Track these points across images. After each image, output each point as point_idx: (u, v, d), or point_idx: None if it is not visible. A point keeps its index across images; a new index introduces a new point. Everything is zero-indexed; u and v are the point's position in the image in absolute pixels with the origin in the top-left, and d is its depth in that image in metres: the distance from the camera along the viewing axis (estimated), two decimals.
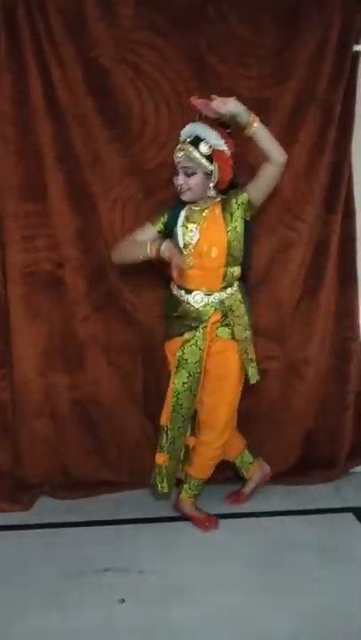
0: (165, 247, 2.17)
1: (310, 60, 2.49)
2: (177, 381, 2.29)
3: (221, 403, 2.36)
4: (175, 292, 2.29)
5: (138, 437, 2.72)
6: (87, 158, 2.46)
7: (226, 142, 2.16)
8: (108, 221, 2.53)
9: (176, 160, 2.17)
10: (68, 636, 1.87)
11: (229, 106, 2.05)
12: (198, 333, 2.24)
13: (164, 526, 2.47)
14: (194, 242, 2.19)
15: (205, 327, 2.24)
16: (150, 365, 2.66)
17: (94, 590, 2.08)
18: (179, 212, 2.25)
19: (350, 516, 2.52)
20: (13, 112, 2.40)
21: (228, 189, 2.24)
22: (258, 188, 2.20)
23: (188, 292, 2.25)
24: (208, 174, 2.15)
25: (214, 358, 2.30)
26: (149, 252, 2.18)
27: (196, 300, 2.24)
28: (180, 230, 2.22)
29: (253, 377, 2.37)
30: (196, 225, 2.21)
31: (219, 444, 2.40)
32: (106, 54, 2.41)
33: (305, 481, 2.76)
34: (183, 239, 2.21)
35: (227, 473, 2.68)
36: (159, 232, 2.28)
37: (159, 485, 2.42)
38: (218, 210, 2.22)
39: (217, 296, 2.24)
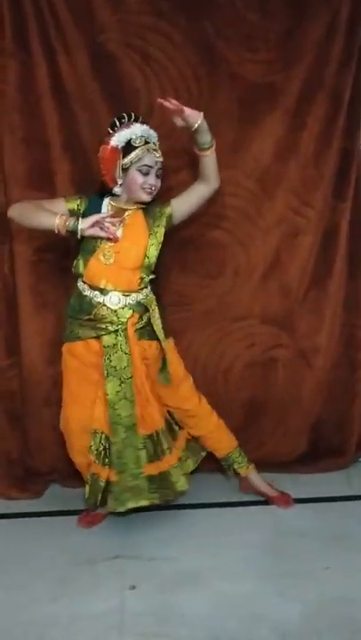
0: (85, 224, 2.03)
1: (319, 45, 2.46)
2: (110, 391, 2.16)
3: (189, 400, 2.38)
4: (87, 292, 2.16)
5: None
6: (94, 146, 2.43)
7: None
8: None
9: (150, 160, 2.13)
10: (78, 621, 1.88)
11: (200, 120, 2.04)
12: (120, 337, 2.15)
13: (174, 514, 2.46)
14: (117, 236, 2.13)
15: (125, 330, 2.15)
16: None
17: (105, 577, 2.08)
18: (99, 205, 2.19)
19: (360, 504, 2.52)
20: (19, 99, 2.39)
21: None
22: (187, 204, 2.21)
23: (104, 292, 2.14)
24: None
25: (153, 366, 2.25)
26: (57, 224, 2.04)
27: (113, 301, 2.14)
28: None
29: (168, 379, 2.27)
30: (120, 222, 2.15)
31: (214, 421, 2.43)
32: (112, 39, 2.39)
33: (315, 469, 2.75)
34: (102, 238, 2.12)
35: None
36: (69, 211, 2.16)
37: (112, 504, 2.24)
38: (140, 214, 2.20)
39: (134, 297, 2.17)
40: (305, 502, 2.52)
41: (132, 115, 2.15)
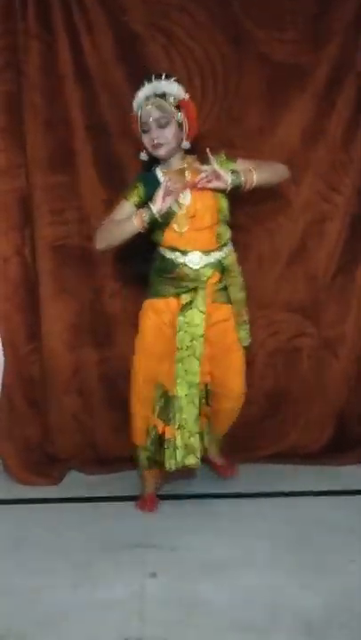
0: (157, 205, 2.03)
1: (349, 26, 2.41)
2: (179, 346, 2.16)
3: (232, 373, 2.31)
4: (168, 255, 2.17)
5: None
6: (116, 127, 2.41)
7: (185, 94, 2.10)
8: None
9: (145, 115, 2.06)
10: (99, 608, 1.86)
11: (227, 180, 2.03)
12: (197, 295, 2.15)
13: (197, 503, 2.44)
14: (187, 202, 2.11)
15: (204, 289, 2.16)
16: None
17: (125, 565, 2.06)
18: (154, 179, 2.14)
19: None
20: (42, 80, 2.36)
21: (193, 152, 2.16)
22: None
23: (184, 253, 2.14)
24: (180, 125, 2.09)
25: (216, 328, 2.23)
26: (137, 226, 2.06)
27: (194, 260, 2.14)
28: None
29: (245, 340, 2.30)
30: (186, 182, 2.12)
31: (237, 408, 2.38)
32: (137, 19, 2.36)
33: (338, 461, 2.69)
34: (176, 201, 2.10)
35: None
36: (136, 206, 2.13)
37: (167, 462, 2.22)
38: (198, 169, 2.10)
39: (214, 255, 2.16)
40: (329, 495, 2.47)
41: (148, 76, 2.10)
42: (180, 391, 2.19)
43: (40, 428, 2.66)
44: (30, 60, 2.34)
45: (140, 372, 2.28)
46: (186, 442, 2.20)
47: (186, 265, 2.15)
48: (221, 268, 2.18)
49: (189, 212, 2.11)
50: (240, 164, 2.12)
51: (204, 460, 2.43)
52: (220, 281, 2.19)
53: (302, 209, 2.55)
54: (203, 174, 2.04)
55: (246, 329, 2.30)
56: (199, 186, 2.05)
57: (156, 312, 2.23)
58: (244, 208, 2.51)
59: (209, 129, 2.41)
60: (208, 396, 2.37)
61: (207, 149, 2.06)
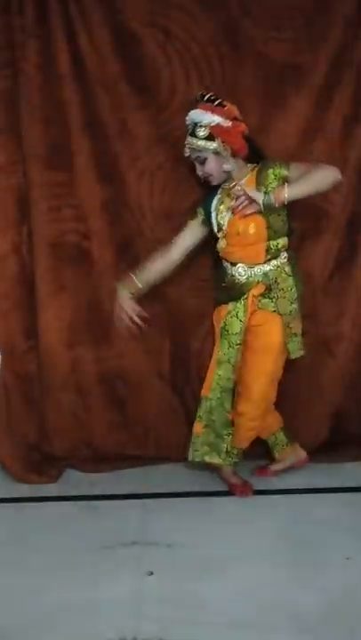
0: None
1: (347, 23, 2.40)
2: (219, 352, 2.30)
3: (258, 374, 2.33)
4: (223, 264, 2.30)
5: (164, 411, 2.69)
6: (114, 126, 2.42)
7: (220, 115, 2.12)
8: (136, 192, 2.48)
9: (187, 151, 2.19)
10: (96, 606, 1.86)
11: (259, 202, 2.10)
12: (239, 305, 2.25)
13: (192, 500, 2.45)
14: (225, 222, 2.21)
15: (246, 299, 2.25)
16: (177, 338, 2.62)
17: (123, 563, 2.07)
18: (213, 199, 2.26)
19: None
20: (40, 78, 2.36)
21: (256, 157, 2.21)
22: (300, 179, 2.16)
23: (233, 264, 2.26)
24: (217, 153, 2.15)
25: (254, 330, 2.30)
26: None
27: (240, 272, 2.25)
28: (213, 214, 2.24)
29: (295, 352, 2.36)
30: (225, 206, 2.21)
31: (254, 416, 2.37)
32: (135, 17, 2.35)
33: (335, 459, 2.70)
34: (216, 222, 2.23)
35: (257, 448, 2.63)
36: (202, 222, 2.28)
37: (191, 454, 2.38)
38: (251, 185, 2.18)
39: (260, 268, 2.24)
40: (326, 492, 2.48)
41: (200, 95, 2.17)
42: (213, 394, 2.32)
43: (37, 426, 2.67)
44: (28, 57, 2.34)
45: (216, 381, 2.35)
46: (212, 440, 2.34)
47: (233, 275, 2.26)
48: (268, 279, 2.24)
49: (230, 232, 2.21)
50: (293, 170, 2.17)
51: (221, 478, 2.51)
52: (266, 292, 2.26)
53: (299, 207, 2.53)
54: (238, 202, 2.12)
55: (297, 341, 2.35)
56: (237, 214, 2.15)
57: (218, 319, 2.35)
58: None
59: None
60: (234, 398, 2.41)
61: (233, 184, 2.18)
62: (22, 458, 2.62)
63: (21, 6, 2.30)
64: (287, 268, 2.28)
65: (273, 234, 2.20)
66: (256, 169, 2.21)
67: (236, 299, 2.27)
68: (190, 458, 2.38)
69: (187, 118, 2.18)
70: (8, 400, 2.60)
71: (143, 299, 2.52)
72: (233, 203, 2.16)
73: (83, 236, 2.52)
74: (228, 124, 2.13)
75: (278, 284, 2.26)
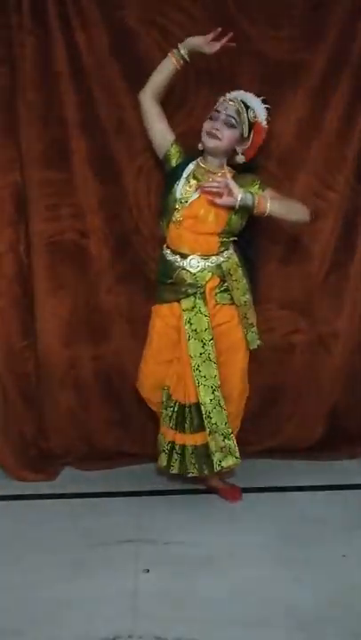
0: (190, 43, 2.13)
1: (344, 21, 2.39)
2: (193, 354, 2.20)
3: (233, 373, 2.32)
4: (170, 257, 2.22)
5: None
6: (112, 125, 2.40)
7: (265, 118, 2.20)
8: (133, 190, 2.47)
9: (222, 107, 2.15)
10: (92, 603, 1.88)
11: (237, 197, 2.07)
12: (199, 300, 2.19)
13: (189, 498, 2.46)
14: (189, 200, 2.16)
15: (203, 293, 2.20)
16: None
17: (119, 560, 2.08)
18: (187, 165, 2.20)
19: None
20: (37, 77, 2.34)
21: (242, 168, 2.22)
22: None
23: (184, 256, 2.19)
24: (243, 138, 2.16)
25: (219, 330, 2.25)
26: (174, 62, 2.14)
27: (193, 264, 2.18)
28: (182, 181, 2.18)
29: (253, 342, 2.33)
30: (196, 183, 2.16)
31: (237, 414, 2.37)
32: (132, 15, 2.33)
33: (331, 456, 2.72)
34: (180, 192, 2.17)
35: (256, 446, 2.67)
36: (168, 154, 2.22)
37: (208, 468, 2.26)
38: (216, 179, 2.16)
39: (214, 260, 2.19)
40: (322, 490, 2.50)
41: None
42: (205, 397, 2.22)
43: (35, 424, 2.67)
44: (25, 55, 2.32)
45: (149, 379, 2.34)
46: (221, 445, 2.24)
47: (185, 269, 2.19)
48: (221, 271, 2.21)
49: (188, 213, 2.14)
50: (269, 192, 2.18)
51: (207, 486, 2.49)
52: (220, 284, 2.22)
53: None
54: (214, 183, 2.08)
55: (254, 331, 2.33)
56: (205, 190, 2.10)
57: (162, 318, 2.29)
58: None
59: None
60: None
61: (228, 168, 2.16)
62: (20, 455, 2.63)
63: (19, 4, 2.28)
64: (236, 259, 2.24)
65: (226, 232, 2.18)
66: (232, 174, 2.19)
67: (187, 295, 2.19)
68: (207, 472, 2.27)
69: (237, 93, 2.19)
70: (6, 398, 2.60)
71: (143, 298, 2.54)
72: (209, 183, 2.10)
73: (80, 234, 2.51)
74: (264, 129, 2.22)
75: (231, 275, 2.22)
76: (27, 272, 2.54)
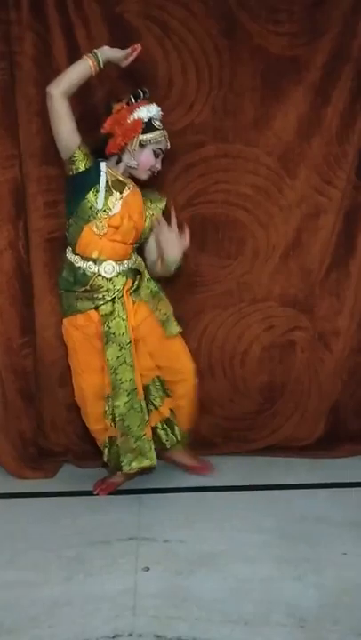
0: (107, 54, 2.11)
1: (345, 17, 2.38)
2: (110, 357, 2.20)
3: (177, 355, 2.36)
4: (80, 264, 2.19)
5: None
6: None
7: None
8: None
9: (160, 142, 2.19)
10: (92, 602, 1.87)
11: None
12: (117, 305, 2.20)
13: (190, 496, 2.44)
14: (113, 212, 2.15)
15: (122, 297, 2.21)
16: None
17: (119, 558, 2.07)
18: (98, 170, 2.15)
19: None
20: (36, 72, 2.33)
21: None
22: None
23: (98, 262, 2.18)
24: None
25: (145, 323, 2.28)
26: (91, 66, 2.09)
27: (107, 270, 2.18)
28: (102, 192, 2.13)
29: (173, 330, 2.34)
30: (120, 195, 2.17)
31: (193, 392, 2.40)
32: (131, 11, 2.33)
33: (332, 454, 2.71)
34: (105, 203, 2.14)
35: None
36: (76, 155, 2.12)
37: (126, 466, 2.31)
38: (139, 194, 2.23)
39: (127, 264, 2.23)
40: (322, 487, 2.49)
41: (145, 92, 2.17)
42: (119, 400, 2.24)
43: (34, 421, 2.65)
44: (24, 50, 2.32)
45: (87, 390, 2.33)
46: (132, 446, 2.27)
47: (99, 275, 2.18)
48: (133, 273, 2.26)
49: (113, 222, 2.15)
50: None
51: (177, 464, 2.53)
52: (132, 285, 2.26)
53: (297, 202, 2.53)
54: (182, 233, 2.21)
55: (171, 320, 2.34)
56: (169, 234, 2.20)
57: (78, 328, 2.26)
58: (238, 202, 2.52)
59: (203, 121, 2.41)
60: (164, 387, 2.41)
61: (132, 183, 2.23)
62: (19, 453, 2.62)
63: None
64: (141, 260, 2.31)
65: (139, 240, 2.28)
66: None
67: (107, 300, 2.19)
68: (121, 469, 2.33)
69: (154, 112, 2.17)
70: (4, 395, 2.59)
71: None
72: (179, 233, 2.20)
73: None
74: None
75: (142, 274, 2.27)
76: (26, 268, 2.53)
